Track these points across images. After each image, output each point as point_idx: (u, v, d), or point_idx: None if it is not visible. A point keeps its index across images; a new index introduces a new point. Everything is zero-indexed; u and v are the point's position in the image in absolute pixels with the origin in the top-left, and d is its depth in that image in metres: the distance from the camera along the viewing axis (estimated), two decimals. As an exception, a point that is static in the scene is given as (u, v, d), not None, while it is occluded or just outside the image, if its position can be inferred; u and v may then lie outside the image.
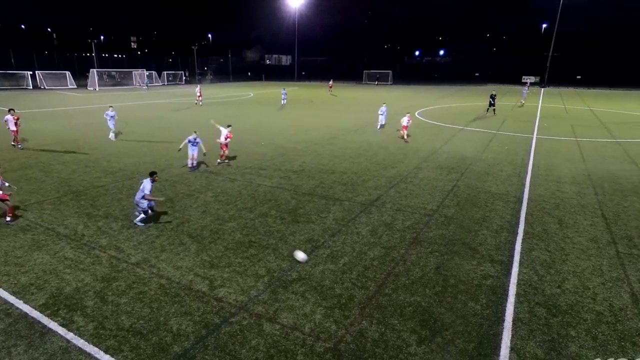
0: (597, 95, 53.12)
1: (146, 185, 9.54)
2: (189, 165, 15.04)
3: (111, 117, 20.26)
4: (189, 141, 14.62)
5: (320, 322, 6.30)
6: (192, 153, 14.84)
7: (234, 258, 8.31)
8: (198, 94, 38.76)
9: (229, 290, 7.15)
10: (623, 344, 5.80)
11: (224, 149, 15.84)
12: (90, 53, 75.10)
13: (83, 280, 7.41)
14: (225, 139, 15.61)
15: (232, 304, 6.75)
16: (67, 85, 62.03)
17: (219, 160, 15.96)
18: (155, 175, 9.88)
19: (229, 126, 15.98)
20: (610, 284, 7.37)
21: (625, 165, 16.12)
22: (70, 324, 6.20)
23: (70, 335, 5.94)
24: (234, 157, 16.85)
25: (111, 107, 21.05)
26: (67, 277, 7.49)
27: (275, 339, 5.90)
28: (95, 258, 8.24)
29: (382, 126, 24.83)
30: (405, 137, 20.62)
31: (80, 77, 65.07)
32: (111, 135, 20.44)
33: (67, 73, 62.76)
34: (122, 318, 6.34)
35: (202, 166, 15.51)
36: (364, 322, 6.31)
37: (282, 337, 5.95)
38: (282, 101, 39.39)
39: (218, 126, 15.91)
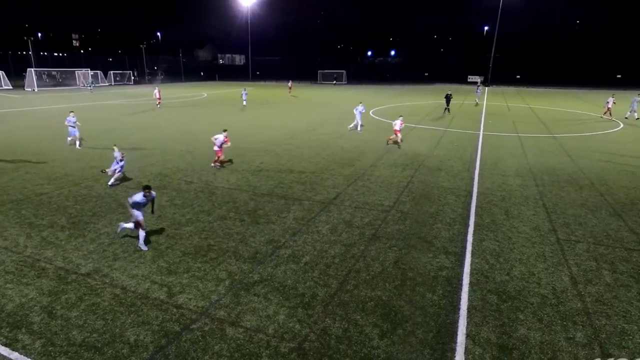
0: (535, 94, 56.93)
1: (136, 198, 8.66)
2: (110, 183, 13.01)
3: (73, 123, 18.42)
4: (117, 162, 12.97)
5: (284, 322, 6.30)
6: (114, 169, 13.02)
7: (193, 263, 8.10)
8: (157, 95, 36.63)
9: (189, 296, 6.96)
10: (565, 323, 6.29)
11: (220, 155, 15.31)
12: (27, 51, 69.85)
13: (27, 295, 6.92)
14: (221, 144, 15.17)
15: (193, 310, 6.58)
16: (2, 86, 57.32)
17: (212, 165, 15.53)
18: (147, 190, 8.76)
19: (224, 131, 15.54)
20: (552, 269, 7.96)
21: (561, 158, 17.42)
22: (15, 342, 5.77)
23: (15, 355, 5.53)
24: (229, 161, 16.51)
25: (72, 112, 18.87)
26: (8, 293, 6.96)
27: (238, 342, 5.83)
28: (40, 271, 7.71)
29: (358, 127, 23.85)
30: (399, 141, 19.51)
31: (17, 77, 60.40)
32: (76, 143, 18.52)
33: (1, 73, 57.98)
34: (74, 333, 5.99)
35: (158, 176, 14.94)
36: (327, 319, 6.39)
37: (246, 340, 5.89)
38: (243, 102, 38.55)
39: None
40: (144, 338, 5.89)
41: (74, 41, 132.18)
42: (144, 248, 8.66)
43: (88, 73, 65.34)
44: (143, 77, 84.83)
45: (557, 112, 34.81)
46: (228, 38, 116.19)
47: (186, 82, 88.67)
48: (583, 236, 9.47)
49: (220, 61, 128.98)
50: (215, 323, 6.25)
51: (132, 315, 6.40)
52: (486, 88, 68.93)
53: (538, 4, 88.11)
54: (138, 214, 8.71)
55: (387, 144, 19.70)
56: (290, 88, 56.44)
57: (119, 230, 9.17)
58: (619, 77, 72.40)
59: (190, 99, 46.70)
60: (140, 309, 6.58)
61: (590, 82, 69.33)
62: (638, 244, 9.05)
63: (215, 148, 15.22)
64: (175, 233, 9.49)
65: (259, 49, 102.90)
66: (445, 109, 33.06)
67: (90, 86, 56.63)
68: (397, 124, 19.38)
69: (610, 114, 30.57)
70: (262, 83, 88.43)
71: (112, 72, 74.76)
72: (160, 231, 9.58)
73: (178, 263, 8.08)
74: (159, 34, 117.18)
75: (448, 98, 33.22)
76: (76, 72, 66.90)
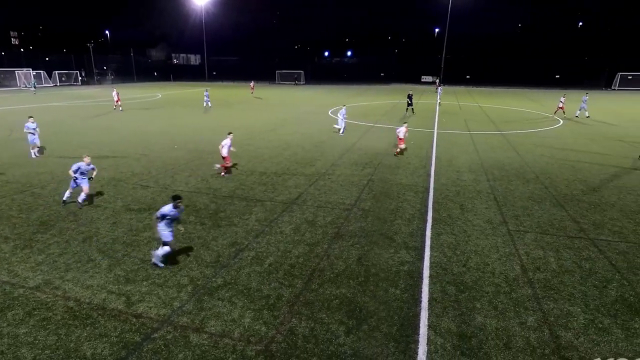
0: (484, 93, 59.81)
1: (165, 210, 7.59)
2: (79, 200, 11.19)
3: (32, 129, 16.59)
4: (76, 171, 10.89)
5: (250, 325, 6.24)
6: (81, 185, 11.09)
7: (152, 270, 7.82)
8: (115, 98, 34.45)
9: (149, 304, 6.73)
10: (518, 309, 6.69)
11: (228, 161, 14.22)
12: (-42, 50, 64.30)
13: (-32, 313, 6.40)
14: (229, 149, 14.13)
15: (154, 318, 6.37)
16: None
17: (222, 174, 14.23)
18: (178, 201, 7.67)
19: (229, 133, 14.62)
20: (505, 259, 8.43)
21: (509, 153, 18.45)
22: (-45, 366, 5.33)
23: (-44, 379, 5.11)
24: (234, 165, 15.68)
25: (31, 117, 17.05)
26: (-55, 313, 6.40)
27: (203, 349, 5.72)
28: (-19, 287, 7.15)
29: (341, 130, 23.17)
30: (399, 150, 17.72)
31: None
32: (34, 152, 16.78)
33: None
34: (23, 351, 5.61)
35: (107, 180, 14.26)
36: (293, 319, 6.41)
37: (211, 346, 5.78)
38: (206, 103, 37.27)
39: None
40: (102, 351, 5.63)
41: (12, 39, 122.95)
42: (160, 264, 7.86)
43: (30, 73, 61.16)
44: (92, 77, 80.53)
45: (505, 111, 36.79)
46: (182, 37, 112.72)
47: (139, 82, 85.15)
48: (531, 227, 10.10)
49: (175, 61, 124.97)
50: (179, 330, 6.09)
51: (87, 328, 6.09)
52: (438, 88, 71.55)
53: (484, 7, 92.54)
54: (166, 236, 7.69)
55: (395, 155, 17.32)
56: (252, 88, 54.69)
57: (157, 261, 7.88)
58: (557, 77, 77.68)
59: (144, 100, 44.94)
60: (96, 320, 6.28)
61: (532, 82, 73.85)
62: (579, 232, 9.78)
63: (224, 154, 14.05)
64: (133, 240, 9.12)
65: (214, 49, 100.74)
66: (409, 108, 33.06)
67: (33, 87, 52.92)
68: (402, 132, 17.59)
69: (564, 112, 32.41)
70: (219, 83, 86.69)
71: (57, 72, 70.41)
72: (116, 239, 9.17)
73: (136, 271, 7.78)
74: (107, 32, 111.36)
75: (410, 97, 33.42)
76: (16, 72, 62.43)
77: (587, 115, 31.89)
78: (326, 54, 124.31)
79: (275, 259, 8.33)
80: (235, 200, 11.87)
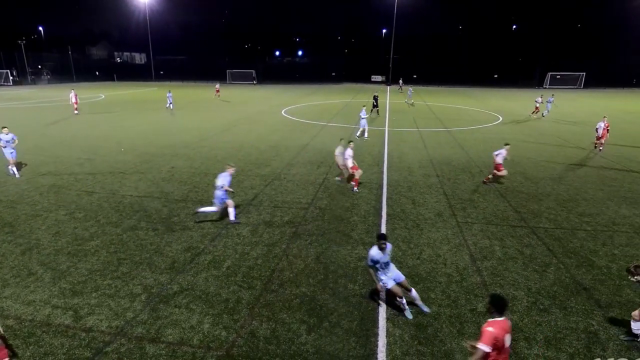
0: (430, 92, 62.24)
1: (373, 255, 6.44)
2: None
3: (7, 142, 13.87)
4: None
5: (209, 331, 6.12)
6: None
7: (102, 280, 7.43)
8: (73, 99, 31.33)
9: (100, 317, 6.39)
10: (468, 297, 7.08)
11: (355, 170, 12.82)
12: None
13: None
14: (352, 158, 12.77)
15: (106, 331, 6.06)
16: None
17: (339, 180, 13.51)
18: (382, 241, 6.43)
19: (350, 142, 13.08)
20: (455, 250, 8.88)
21: (455, 149, 19.40)
22: None
23: None
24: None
25: (5, 128, 14.10)
26: None
27: (161, 359, 5.53)
28: None
29: (365, 132, 21.91)
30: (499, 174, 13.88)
31: None
32: (11, 169, 13.98)
33: None
34: (-44, 377, 5.13)
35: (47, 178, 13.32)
36: (254, 322, 6.36)
37: (169, 355, 5.60)
38: (169, 105, 34.56)
39: None
40: (49, 370, 5.28)
41: None
42: (426, 309, 6.65)
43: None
44: (25, 77, 74.50)
45: (450, 109, 38.58)
46: (125, 35, 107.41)
47: (79, 82, 79.92)
48: (477, 218, 10.71)
49: (118, 59, 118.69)
50: (133, 342, 5.84)
51: (31, 347, 5.69)
52: (387, 87, 73.59)
53: (428, 8, 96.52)
54: (387, 282, 6.47)
55: (486, 182, 13.84)
56: (218, 91, 46.53)
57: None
58: (495, 77, 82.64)
59: (86, 101, 42.30)
60: (41, 338, 5.87)
61: (473, 81, 77.84)
62: (520, 221, 10.51)
63: (349, 164, 12.82)
64: (78, 249, 8.60)
65: (161, 48, 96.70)
66: (374, 109, 32.07)
67: None
68: (500, 156, 13.64)
69: (538, 112, 32.61)
70: (166, 83, 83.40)
71: (-18, 71, 64.51)
72: (59, 249, 8.59)
73: (84, 282, 7.35)
74: (41, 28, 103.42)
75: (375, 99, 32.64)
76: None
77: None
78: (277, 53, 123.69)
79: (233, 262, 8.21)
80: (189, 203, 11.53)
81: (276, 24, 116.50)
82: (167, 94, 35.98)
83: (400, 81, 65.38)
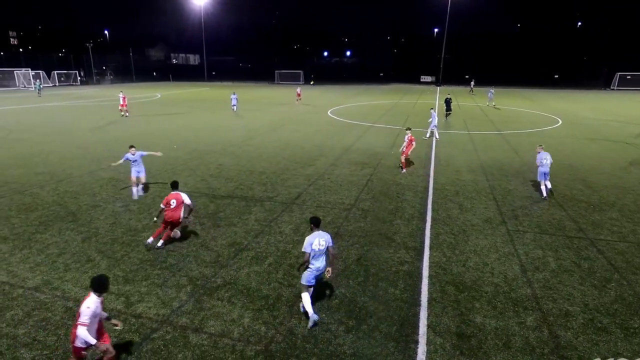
0: (482, 93, 59.70)
1: (328, 236, 6.52)
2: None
3: (133, 162, 11.82)
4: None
5: (249, 325, 6.24)
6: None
7: (152, 270, 7.82)
8: (122, 102, 29.83)
9: (148, 304, 6.72)
10: (517, 309, 6.69)
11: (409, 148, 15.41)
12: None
13: (-33, 314, 6.38)
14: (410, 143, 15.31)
15: (153, 318, 6.36)
16: None
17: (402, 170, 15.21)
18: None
19: (408, 129, 15.77)
20: (504, 259, 8.43)
21: (508, 153, 18.46)
22: (-46, 366, 5.32)
23: (-45, 380, 5.10)
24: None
25: (132, 147, 11.94)
26: (-56, 313, 6.39)
27: (203, 349, 5.71)
28: (-20, 287, 7.14)
29: (435, 133, 21.69)
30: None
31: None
32: (137, 190, 12.01)
33: None
34: (22, 351, 5.61)
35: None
36: (293, 319, 6.40)
37: (211, 346, 5.78)
38: (233, 107, 33.14)
39: None
40: (102, 351, 5.62)
41: (11, 39, 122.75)
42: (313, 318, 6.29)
43: (29, 73, 60.98)
44: (91, 77, 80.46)
45: (504, 111, 36.79)
46: (181, 37, 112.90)
47: (138, 82, 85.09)
48: (530, 226, 10.10)
49: (174, 61, 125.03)
50: (178, 331, 6.08)
51: (87, 329, 6.08)
52: (437, 88, 71.61)
53: (483, 7, 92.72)
54: (310, 277, 6.39)
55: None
56: (299, 95, 41.87)
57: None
58: (556, 77, 77.73)
59: (144, 100, 44.93)
60: (96, 321, 6.27)
61: (531, 82, 73.74)
62: (578, 232, 9.80)
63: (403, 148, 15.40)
64: (132, 240, 9.11)
65: (213, 49, 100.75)
66: (447, 113, 30.40)
67: (38, 89, 51.37)
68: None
69: None
70: (218, 83, 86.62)
71: (55, 72, 70.32)
72: (115, 239, 9.15)
73: (135, 271, 7.77)
74: (106, 31, 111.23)
75: (448, 102, 30.62)
76: (15, 72, 62.33)
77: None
78: (325, 54, 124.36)
79: (275, 259, 8.33)
80: (234, 200, 11.86)
81: (324, 25, 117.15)
82: (232, 96, 34.09)
83: (472, 83, 62.98)
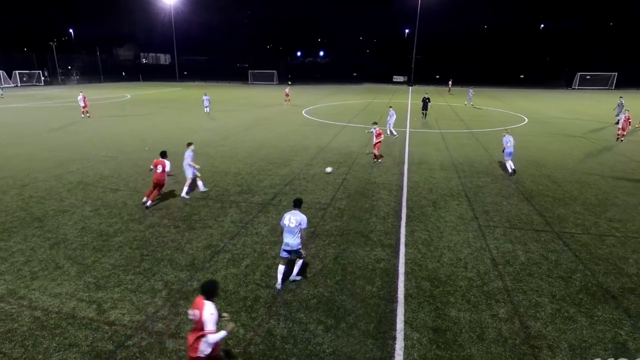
0: (453, 92, 61.17)
1: (303, 217, 7.08)
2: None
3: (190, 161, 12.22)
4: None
5: (227, 328, 6.17)
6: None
7: (125, 275, 7.61)
8: (82, 103, 28.71)
9: (122, 311, 6.54)
10: (489, 302, 6.92)
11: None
12: None
13: None
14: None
15: (128, 325, 6.20)
16: None
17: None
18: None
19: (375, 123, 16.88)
20: (476, 253, 8.69)
21: (479, 151, 19.01)
22: None
23: None
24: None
25: (191, 144, 12.46)
26: None
27: (180, 355, 5.61)
28: (-61, 299, 6.75)
29: (392, 131, 22.31)
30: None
31: None
32: (185, 190, 12.14)
33: None
34: (-13, 364, 5.35)
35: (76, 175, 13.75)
36: (271, 321, 6.39)
37: (188, 350, 5.68)
38: (206, 109, 32.21)
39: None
40: (73, 361, 5.44)
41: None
42: (298, 278, 7.55)
43: (-10, 73, 57.90)
44: (55, 77, 77.31)
45: (473, 110, 37.83)
46: (151, 36, 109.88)
47: (106, 82, 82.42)
48: (500, 221, 10.45)
49: (144, 60, 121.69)
50: (154, 337, 5.95)
51: (57, 339, 5.87)
52: (409, 87, 72.88)
53: (451, 8, 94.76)
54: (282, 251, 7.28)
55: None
56: (287, 96, 41.76)
57: (298, 280, 7.55)
58: (522, 77, 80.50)
59: (113, 101, 43.56)
60: (66, 330, 6.06)
61: (498, 81, 76.01)
62: (545, 226, 10.21)
63: (374, 140, 16.40)
64: (103, 245, 8.84)
65: (185, 48, 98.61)
66: (423, 113, 30.44)
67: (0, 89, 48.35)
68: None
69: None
70: (190, 83, 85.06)
71: (17, 71, 67.18)
72: (85, 244, 8.85)
73: (108, 277, 7.54)
74: (71, 30, 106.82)
75: (425, 102, 30.41)
76: (-27, 71, 59.17)
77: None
78: (299, 54, 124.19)
79: (252, 261, 8.27)
80: (209, 202, 11.69)
81: (298, 25, 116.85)
82: (204, 97, 32.89)
83: (450, 83, 64.22)
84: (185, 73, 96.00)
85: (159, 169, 10.88)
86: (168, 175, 11.30)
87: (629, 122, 21.83)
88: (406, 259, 8.38)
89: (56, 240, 9.05)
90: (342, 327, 6.24)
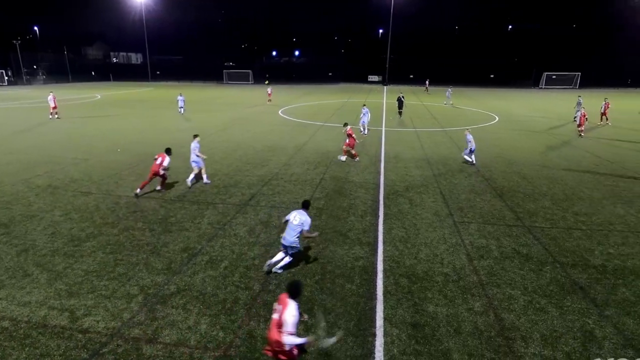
0: (437, 92, 62.32)
1: (307, 219, 7.59)
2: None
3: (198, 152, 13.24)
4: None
5: (207, 331, 6.10)
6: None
7: (98, 281, 7.40)
8: (52, 103, 27.45)
9: (96, 318, 6.36)
10: (465, 296, 7.10)
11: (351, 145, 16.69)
12: None
13: None
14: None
15: (102, 332, 6.03)
16: None
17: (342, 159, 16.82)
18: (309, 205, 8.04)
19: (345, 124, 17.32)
20: (452, 249, 8.90)
21: (452, 149, 19.44)
22: None
23: None
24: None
25: (197, 136, 13.58)
26: None
27: None
28: None
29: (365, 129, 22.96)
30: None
31: None
32: (190, 179, 13.19)
33: None
34: (-49, 379, 5.10)
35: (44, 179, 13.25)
36: (251, 322, 6.35)
37: (166, 356, 5.58)
38: (180, 109, 31.34)
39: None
40: (45, 371, 5.25)
41: None
42: (280, 271, 7.85)
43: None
44: (20, 77, 74.11)
45: (446, 108, 38.66)
46: (121, 35, 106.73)
47: (74, 82, 79.62)
48: (474, 217, 10.74)
49: (114, 60, 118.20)
50: (130, 343, 5.82)
51: (27, 349, 5.65)
52: (384, 87, 73.73)
53: (424, 8, 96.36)
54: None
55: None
56: (269, 95, 42.06)
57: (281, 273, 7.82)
58: (492, 77, 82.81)
59: (82, 101, 42.13)
60: (36, 340, 5.84)
61: (469, 81, 77.82)
62: (516, 220, 10.55)
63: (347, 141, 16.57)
64: (75, 250, 8.56)
65: (157, 48, 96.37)
66: (399, 112, 31.19)
67: None
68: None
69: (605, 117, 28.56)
70: (163, 83, 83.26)
71: (-22, 71, 64.17)
72: (55, 250, 8.55)
73: (80, 283, 7.31)
74: (36, 28, 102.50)
75: (400, 101, 31.12)
76: None
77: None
78: (274, 53, 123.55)
79: (231, 262, 8.19)
80: (185, 203, 11.50)
81: (273, 24, 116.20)
82: (178, 97, 31.98)
83: (427, 82, 64.96)
84: (158, 73, 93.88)
85: (158, 160, 11.79)
86: (163, 169, 11.94)
87: (585, 118, 23.42)
88: (384, 257, 8.49)
89: (24, 246, 8.69)
90: (323, 326, 6.26)
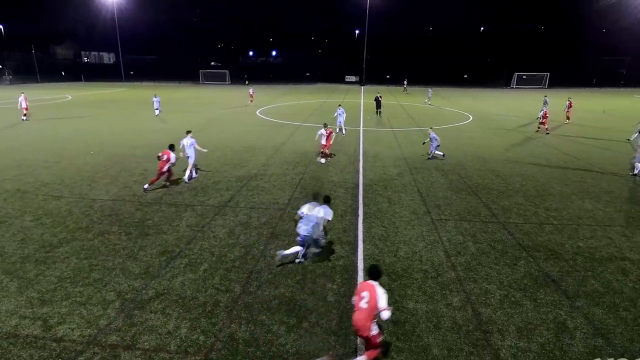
0: (403, 92, 63.18)
1: (328, 211, 8.09)
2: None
3: (186, 147, 13.88)
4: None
5: (187, 335, 6.02)
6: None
7: (73, 288, 7.18)
8: (24, 104, 27.06)
9: (71, 326, 6.18)
10: (444, 292, 7.25)
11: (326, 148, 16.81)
12: None
13: None
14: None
15: (78, 340, 5.86)
16: None
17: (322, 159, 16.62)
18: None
19: (325, 125, 17.32)
20: (430, 246, 9.07)
21: (429, 148, 19.73)
22: None
23: None
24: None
25: (189, 132, 14.35)
26: None
27: (137, 365, 5.40)
28: None
29: (342, 129, 23.48)
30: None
31: None
32: (188, 174, 13.78)
33: None
34: None
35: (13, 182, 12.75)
36: (232, 325, 6.30)
37: (146, 361, 5.48)
38: (156, 111, 30.63)
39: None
40: (18, 383, 5.07)
41: None
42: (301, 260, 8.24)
43: None
44: (-18, 77, 71.00)
45: (422, 108, 39.31)
46: (92, 33, 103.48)
47: (44, 82, 76.80)
48: (451, 215, 10.97)
49: (85, 59, 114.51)
50: (107, 350, 5.68)
51: (-3, 360, 5.44)
52: (362, 87, 74.30)
53: (399, 10, 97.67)
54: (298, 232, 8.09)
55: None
56: (251, 96, 41.22)
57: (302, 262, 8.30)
58: (465, 77, 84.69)
59: (53, 102, 40.68)
60: (7, 350, 5.63)
61: (444, 81, 79.31)
62: (491, 217, 10.85)
63: (323, 142, 16.62)
64: (47, 257, 8.27)
65: (131, 47, 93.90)
66: (377, 111, 31.75)
67: None
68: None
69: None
70: (137, 84, 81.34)
71: (-63, 71, 60.97)
72: (26, 257, 8.24)
73: (53, 291, 7.08)
74: (0, 26, 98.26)
75: (378, 100, 31.75)
76: None
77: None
78: (251, 53, 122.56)
79: (210, 265, 8.10)
80: (163, 206, 11.29)
81: (250, 24, 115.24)
82: (153, 98, 31.23)
83: (405, 82, 65.60)
84: (132, 73, 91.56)
85: (164, 157, 12.36)
86: (170, 165, 12.62)
87: (546, 116, 24.70)
88: (364, 255, 8.58)
89: (-8, 254, 8.35)
90: (305, 326, 6.28)
